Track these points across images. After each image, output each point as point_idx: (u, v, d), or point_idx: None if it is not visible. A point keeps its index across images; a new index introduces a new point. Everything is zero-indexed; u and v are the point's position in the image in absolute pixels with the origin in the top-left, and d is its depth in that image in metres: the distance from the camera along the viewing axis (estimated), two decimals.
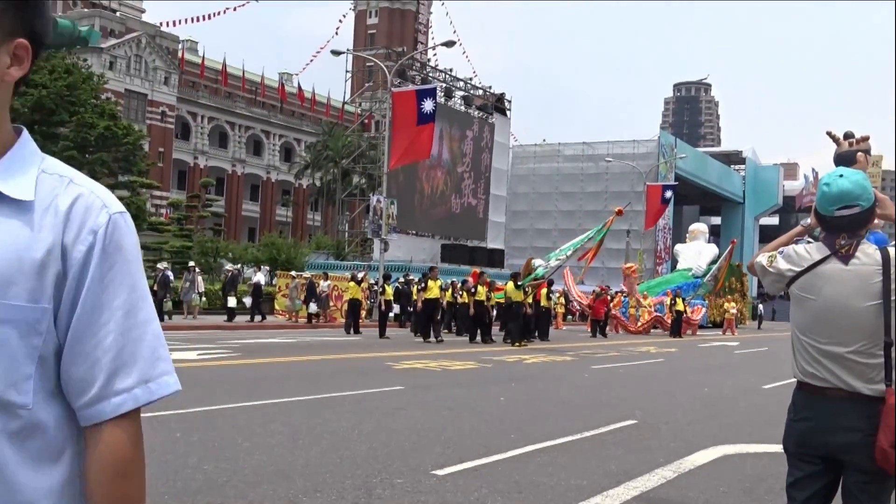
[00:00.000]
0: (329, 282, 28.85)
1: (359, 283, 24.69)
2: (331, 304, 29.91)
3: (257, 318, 26.97)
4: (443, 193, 46.15)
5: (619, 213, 23.75)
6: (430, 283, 22.37)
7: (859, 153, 3.18)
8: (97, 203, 1.28)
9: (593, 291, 31.70)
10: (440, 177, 45.92)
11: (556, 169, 64.36)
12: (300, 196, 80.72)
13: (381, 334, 22.78)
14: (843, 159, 3.16)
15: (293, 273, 29.25)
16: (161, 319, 23.90)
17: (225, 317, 26.28)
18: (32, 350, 1.21)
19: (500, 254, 48.62)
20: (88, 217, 1.26)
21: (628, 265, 38.66)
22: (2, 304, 1.19)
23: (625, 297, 37.81)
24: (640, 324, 35.09)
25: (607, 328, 32.95)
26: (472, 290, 22.64)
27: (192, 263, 28.03)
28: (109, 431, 1.25)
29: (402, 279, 30.92)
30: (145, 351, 1.26)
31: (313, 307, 27.38)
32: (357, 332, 24.22)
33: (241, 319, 26.40)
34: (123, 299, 1.25)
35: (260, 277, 27.97)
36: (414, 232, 45.13)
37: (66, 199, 1.25)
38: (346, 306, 29.17)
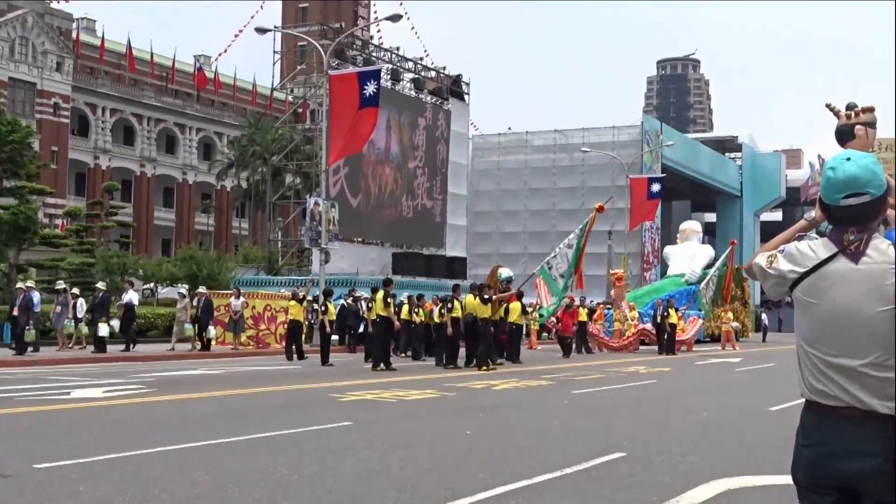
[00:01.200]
0: (242, 299, 28.83)
1: (300, 301, 24.60)
2: (262, 326, 29.77)
3: (133, 346, 26.52)
4: (392, 194, 46.24)
5: (600, 209, 24.12)
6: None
7: (858, 126, 3.17)
8: None
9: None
10: (389, 174, 46.00)
11: (524, 162, 64.80)
12: (223, 200, 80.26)
13: (324, 361, 22.78)
14: (841, 134, 3.16)
15: (181, 290, 29.13)
16: (22, 351, 23.21)
17: (92, 347, 25.51)
18: None
19: (462, 263, 48.84)
20: None
21: (614, 272, 39.03)
22: None
23: (608, 308, 38.12)
24: (624, 338, 35.42)
25: (590, 345, 33.20)
26: (449, 306, 22.71)
27: (101, 285, 27.56)
28: None
29: (347, 296, 30.88)
30: None
31: (212, 331, 27.43)
32: (301, 357, 24.28)
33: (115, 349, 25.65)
34: None
35: (132, 297, 27.64)
36: (360, 240, 45.06)
37: None
38: (281, 329, 28.89)
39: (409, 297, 28.16)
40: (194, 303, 27.50)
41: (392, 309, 22.28)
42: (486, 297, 22.55)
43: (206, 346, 27.14)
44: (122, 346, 26.10)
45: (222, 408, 12.75)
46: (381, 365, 21.08)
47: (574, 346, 31.72)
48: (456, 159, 51.64)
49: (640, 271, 59.09)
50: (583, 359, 28.92)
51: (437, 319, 24.45)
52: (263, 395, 14.63)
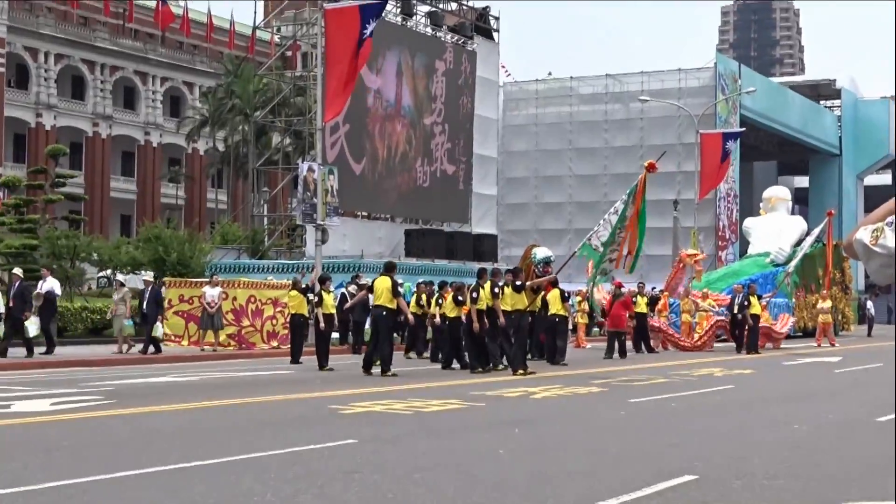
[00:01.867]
0: (219, 289, 29.04)
1: (304, 291, 24.83)
2: (246, 322, 29.90)
3: (49, 349, 26.03)
4: (405, 157, 46.30)
5: (651, 168, 23.91)
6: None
7: None
8: None
9: (609, 291, 31.90)
10: (400, 132, 46.02)
11: (568, 115, 64.72)
12: (195, 167, 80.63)
13: (322, 364, 22.88)
14: None
15: (120, 277, 29.15)
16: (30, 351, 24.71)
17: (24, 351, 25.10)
18: None
19: (492, 241, 48.92)
20: None
21: (690, 252, 38.74)
22: None
23: (674, 298, 38.03)
24: (698, 337, 35.36)
25: (651, 343, 33.17)
26: (475, 295, 22.69)
27: (17, 271, 26.48)
28: None
29: (350, 283, 30.93)
30: None
31: (159, 328, 27.29)
32: (296, 361, 24.69)
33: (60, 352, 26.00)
34: None
35: (53, 286, 26.68)
36: (365, 214, 45.11)
37: None
38: (269, 325, 29.13)
39: (420, 286, 28.51)
40: (146, 294, 27.40)
41: (402, 300, 22.42)
42: (518, 283, 22.56)
43: (157, 347, 27.07)
44: (44, 349, 25.83)
45: (196, 424, 12.82)
46: (390, 370, 21.24)
47: (638, 344, 31.77)
48: (483, 113, 51.64)
49: (714, 250, 58.93)
50: (642, 360, 28.98)
51: (449, 313, 24.51)
52: (247, 408, 14.69)
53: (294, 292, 25.06)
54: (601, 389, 18.31)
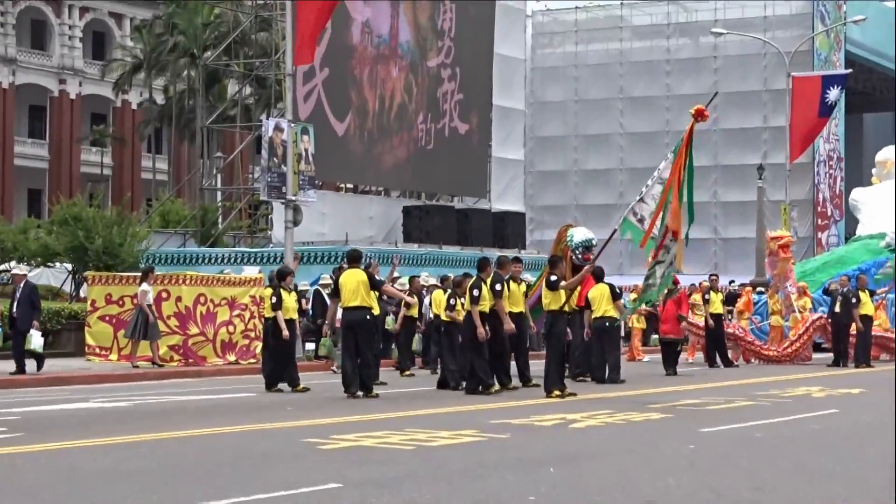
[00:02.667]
0: (148, 286, 29.03)
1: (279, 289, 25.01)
2: (194, 329, 29.91)
3: None
4: (403, 111, 46.35)
5: (700, 116, 23.59)
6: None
7: None
8: None
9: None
10: (397, 79, 46.00)
11: (618, 54, 64.64)
12: (126, 125, 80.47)
13: (293, 384, 23.16)
14: None
15: (21, 269, 29.50)
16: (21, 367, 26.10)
17: None
18: None
19: (518, 222, 48.88)
20: None
21: (777, 234, 38.53)
22: None
23: (758, 293, 37.89)
24: (788, 343, 35.25)
25: (729, 355, 33.12)
26: (476, 293, 22.71)
27: None
28: None
29: (327, 277, 30.89)
30: None
31: (37, 339, 26.92)
32: (294, 386, 24.42)
33: None
34: None
35: None
36: (349, 187, 45.07)
37: None
38: (224, 334, 29.23)
39: (414, 281, 29.98)
40: (18, 294, 27.21)
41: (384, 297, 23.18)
42: (552, 277, 22.55)
43: (39, 363, 26.81)
44: None
45: (127, 463, 12.79)
46: (373, 390, 21.64)
47: (713, 356, 31.91)
48: (506, 52, 51.72)
49: (810, 231, 58.82)
50: (719, 376, 29.01)
51: (443, 316, 24.68)
52: (195, 442, 14.69)
53: (268, 290, 25.12)
54: (663, 416, 18.29)
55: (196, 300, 30.46)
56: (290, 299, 24.46)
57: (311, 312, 30.68)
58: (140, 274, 30.71)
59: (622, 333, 31.61)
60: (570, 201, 62.52)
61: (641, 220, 23.73)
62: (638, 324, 36.96)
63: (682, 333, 30.88)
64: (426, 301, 29.49)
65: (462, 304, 23.85)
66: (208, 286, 30.92)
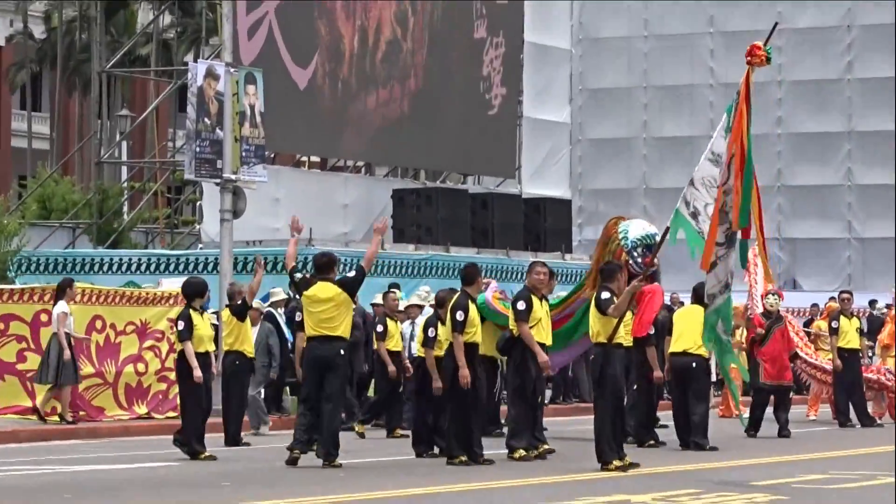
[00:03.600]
0: (65, 306, 29.40)
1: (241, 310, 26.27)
2: (87, 369, 29.88)
3: None
4: (393, 51, 46.55)
5: (756, 57, 23.53)
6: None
7: None
8: None
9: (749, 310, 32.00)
10: (385, 4, 45.99)
11: None
12: None
13: (232, 439, 24.95)
14: None
15: None
16: None
17: None
18: None
19: (561, 213, 48.84)
20: None
21: None
22: None
23: None
24: None
25: (868, 408, 33.05)
26: (461, 317, 22.88)
27: None
28: None
29: (280, 291, 30.91)
30: None
31: None
32: (234, 441, 26.00)
33: None
34: None
35: None
36: (315, 160, 44.96)
37: None
38: (130, 375, 29.22)
39: (387, 296, 30.53)
40: None
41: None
42: (604, 294, 22.60)
43: None
44: None
45: None
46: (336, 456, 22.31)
47: (846, 410, 31.65)
48: None
49: None
50: (852, 440, 29.03)
51: (417, 351, 25.93)
52: None
53: (226, 310, 26.71)
54: (773, 498, 18.24)
55: (90, 325, 30.53)
56: (203, 325, 24.73)
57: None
58: (54, 288, 30.87)
59: (713, 377, 31.50)
60: (636, 183, 62.36)
61: (695, 215, 23.36)
62: (742, 360, 36.49)
63: (790, 377, 30.76)
64: (406, 330, 29.98)
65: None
66: (108, 305, 31.02)
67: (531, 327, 23.31)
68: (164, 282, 35.28)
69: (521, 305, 22.92)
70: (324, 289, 22.20)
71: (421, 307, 29.19)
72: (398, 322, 30.13)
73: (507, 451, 23.50)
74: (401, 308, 30.59)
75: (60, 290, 29.97)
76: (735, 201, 22.54)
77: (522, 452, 23.11)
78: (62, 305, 29.07)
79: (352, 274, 23.01)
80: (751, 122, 23.32)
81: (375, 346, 29.93)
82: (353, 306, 23.47)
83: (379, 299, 31.22)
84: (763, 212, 23.41)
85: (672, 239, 23.45)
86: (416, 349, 27.29)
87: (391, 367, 29.12)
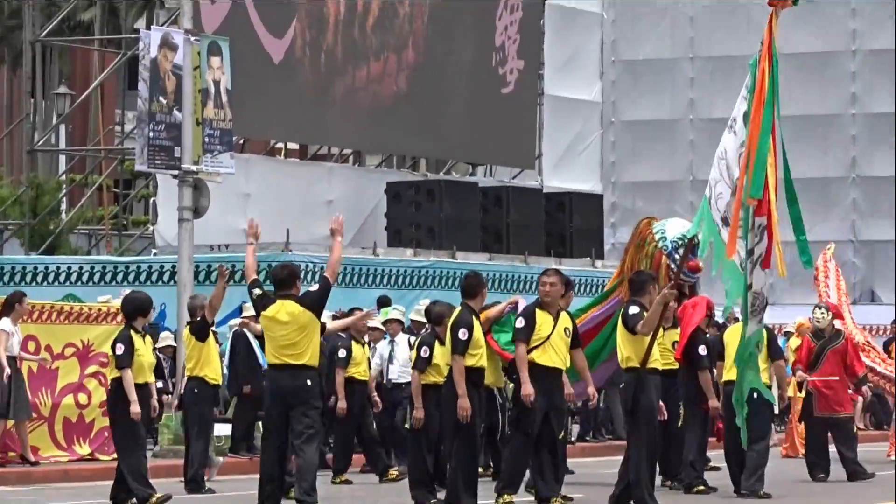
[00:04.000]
0: (12, 325, 30.32)
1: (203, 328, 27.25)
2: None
3: None
4: (387, 16, 47.13)
5: None
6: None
7: None
8: None
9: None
10: None
11: None
12: None
13: (193, 482, 26.17)
14: None
15: None
16: None
17: None
18: None
19: (591, 209, 48.89)
20: None
21: None
22: None
23: None
24: None
25: None
26: (467, 335, 23.11)
27: None
28: None
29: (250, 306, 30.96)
30: None
31: None
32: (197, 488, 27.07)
33: None
34: None
35: None
36: (293, 148, 44.85)
37: None
38: (70, 407, 28.97)
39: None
40: None
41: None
42: (632, 310, 22.62)
43: None
44: None
45: None
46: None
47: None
48: None
49: None
50: None
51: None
52: None
53: (187, 334, 27.64)
54: None
55: (21, 348, 30.17)
56: (146, 351, 25.00)
57: (227, 372, 30.63)
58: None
59: (776, 410, 31.20)
60: (680, 174, 62.62)
61: (726, 220, 23.13)
62: (801, 392, 36.39)
63: (850, 408, 30.67)
64: (384, 350, 30.78)
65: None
66: (42, 323, 30.91)
67: (534, 348, 23.14)
68: (110, 295, 35.19)
69: (519, 323, 23.00)
70: (284, 308, 22.09)
71: (401, 322, 29.34)
72: (365, 345, 30.49)
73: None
74: (372, 324, 31.05)
75: (7, 305, 30.30)
76: (743, 164, 22.46)
77: (507, 498, 23.02)
78: (6, 324, 29.34)
79: (314, 289, 22.92)
80: (776, 75, 23.31)
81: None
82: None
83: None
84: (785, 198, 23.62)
85: (702, 249, 23.42)
86: (398, 373, 27.76)
87: (341, 403, 29.58)
